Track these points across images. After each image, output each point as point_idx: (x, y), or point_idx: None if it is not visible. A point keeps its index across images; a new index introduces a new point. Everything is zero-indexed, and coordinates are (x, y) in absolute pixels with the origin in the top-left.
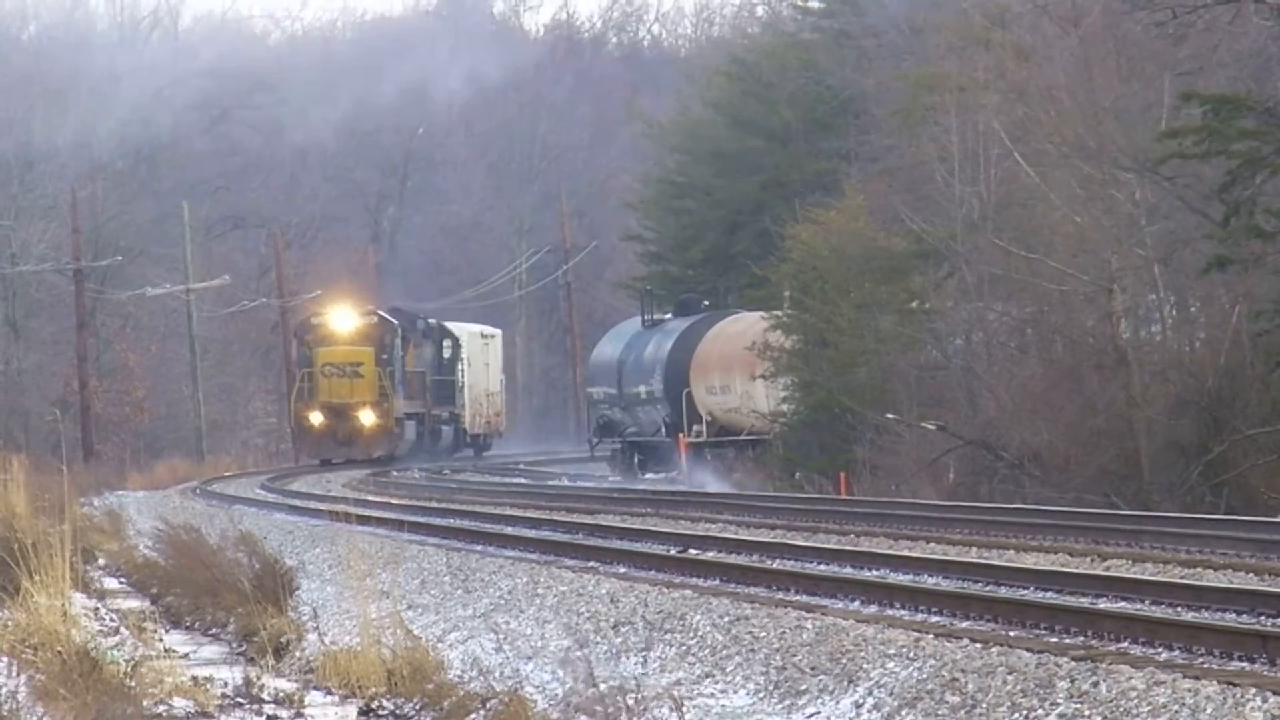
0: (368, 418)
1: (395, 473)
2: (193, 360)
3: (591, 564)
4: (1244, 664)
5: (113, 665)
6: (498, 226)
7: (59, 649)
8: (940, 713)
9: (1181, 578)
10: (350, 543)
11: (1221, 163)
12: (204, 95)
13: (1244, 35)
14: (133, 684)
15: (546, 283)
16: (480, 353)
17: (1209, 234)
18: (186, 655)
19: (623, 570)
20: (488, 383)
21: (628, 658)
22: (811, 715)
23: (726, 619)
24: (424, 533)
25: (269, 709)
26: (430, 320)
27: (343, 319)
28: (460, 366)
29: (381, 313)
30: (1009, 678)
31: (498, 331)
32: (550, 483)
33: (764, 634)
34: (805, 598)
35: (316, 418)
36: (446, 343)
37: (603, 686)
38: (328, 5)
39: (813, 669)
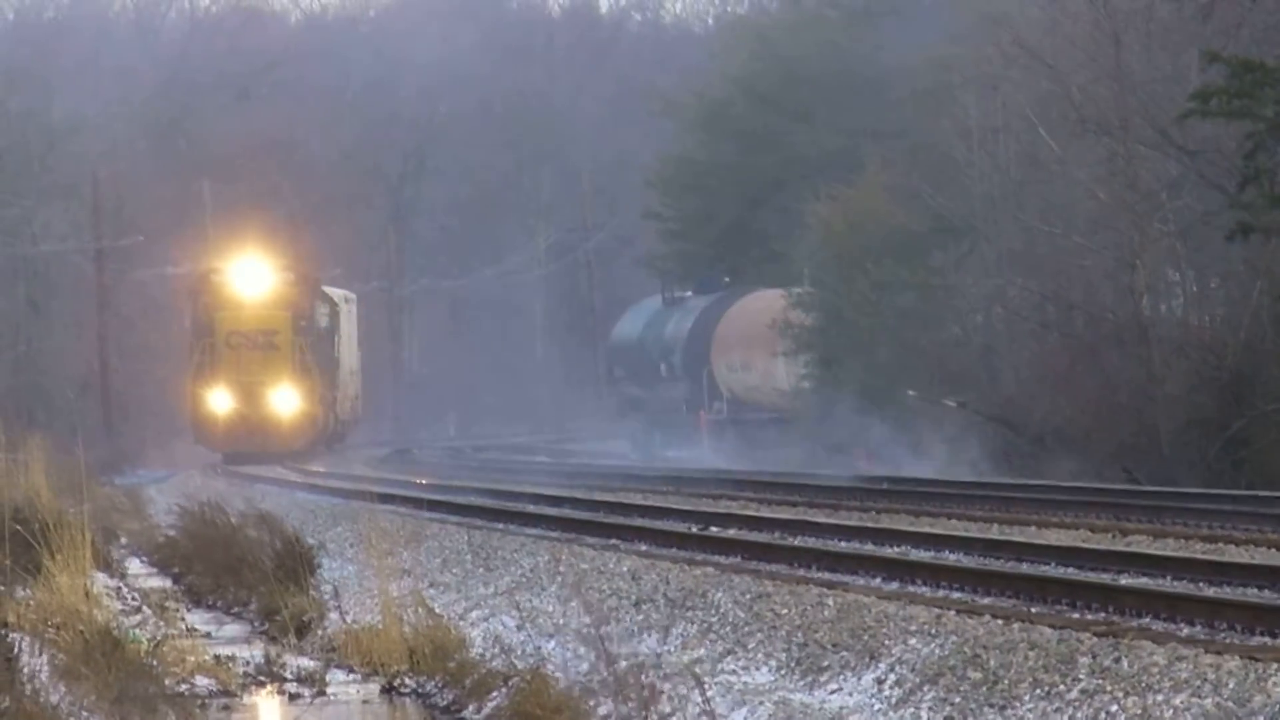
0: (287, 401)
1: (416, 450)
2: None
3: (613, 542)
4: (1266, 639)
5: (135, 644)
6: (518, 204)
7: (81, 628)
8: (962, 689)
9: (1203, 553)
10: (371, 521)
11: (1245, 130)
12: (224, 74)
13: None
14: (155, 663)
15: (567, 261)
16: (346, 322)
17: (1230, 201)
18: (208, 634)
19: (644, 548)
20: (351, 358)
21: (649, 635)
22: (833, 692)
23: (748, 596)
24: (445, 511)
25: (291, 687)
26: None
27: (251, 276)
28: (336, 338)
29: (299, 270)
30: (1031, 654)
31: (354, 295)
32: (571, 461)
33: (785, 611)
34: (827, 575)
35: (220, 401)
36: (322, 309)
37: (623, 664)
38: None
39: (834, 646)
